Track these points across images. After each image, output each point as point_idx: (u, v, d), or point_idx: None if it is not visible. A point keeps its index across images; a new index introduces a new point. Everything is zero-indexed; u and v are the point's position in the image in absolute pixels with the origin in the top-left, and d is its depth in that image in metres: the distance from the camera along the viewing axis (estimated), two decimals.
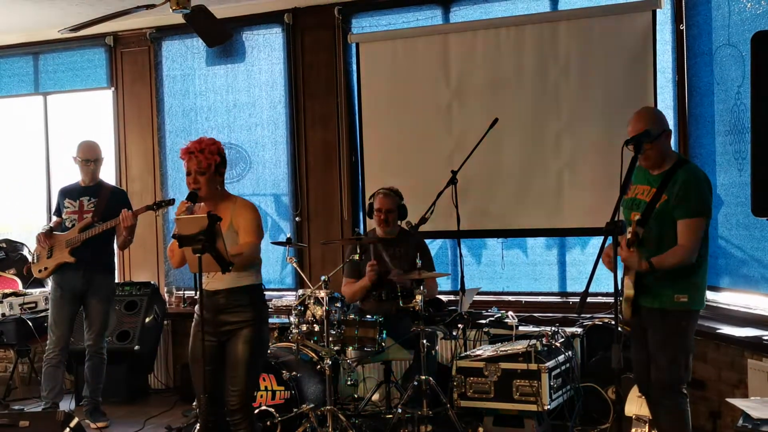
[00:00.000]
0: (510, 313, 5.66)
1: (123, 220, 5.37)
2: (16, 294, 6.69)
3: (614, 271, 3.45)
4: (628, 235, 3.71)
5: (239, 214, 4.00)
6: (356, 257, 5.10)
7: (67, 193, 5.76)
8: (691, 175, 3.77)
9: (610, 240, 3.49)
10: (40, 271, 5.66)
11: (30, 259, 5.88)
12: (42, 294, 6.65)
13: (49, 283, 5.84)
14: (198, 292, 3.86)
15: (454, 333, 5.36)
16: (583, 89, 5.80)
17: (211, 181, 3.96)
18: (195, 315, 4.09)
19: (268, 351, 5.13)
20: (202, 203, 4.05)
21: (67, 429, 4.17)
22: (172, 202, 5.51)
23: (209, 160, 3.94)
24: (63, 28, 5.53)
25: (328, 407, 4.65)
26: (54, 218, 5.85)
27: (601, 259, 3.52)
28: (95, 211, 5.59)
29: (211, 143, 3.98)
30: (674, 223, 3.73)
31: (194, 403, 4.20)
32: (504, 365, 4.85)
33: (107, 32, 7.10)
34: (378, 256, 5.37)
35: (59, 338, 5.59)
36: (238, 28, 6.75)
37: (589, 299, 3.53)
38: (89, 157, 5.67)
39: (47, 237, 5.61)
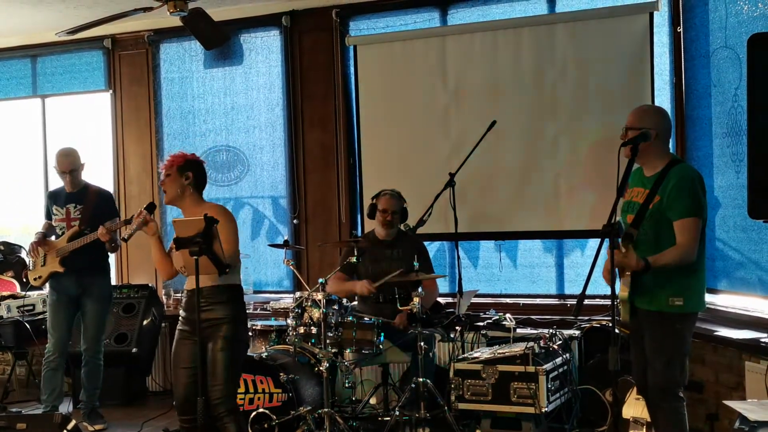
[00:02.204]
0: (508, 315, 5.65)
1: (100, 236, 5.39)
2: (14, 297, 6.69)
3: (612, 278, 3.46)
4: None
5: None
6: (353, 259, 5.10)
7: (55, 198, 5.76)
8: (684, 175, 3.75)
9: (606, 246, 3.48)
10: (35, 279, 5.68)
11: (27, 264, 5.86)
12: (40, 297, 6.64)
13: (47, 287, 5.84)
14: (187, 293, 3.91)
15: (452, 335, 5.36)
16: (581, 92, 5.80)
17: (174, 183, 4.13)
18: (180, 318, 4.19)
19: (263, 353, 5.15)
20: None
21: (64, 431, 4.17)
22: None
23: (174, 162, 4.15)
24: (61, 30, 5.54)
25: (326, 410, 4.64)
26: (45, 221, 5.81)
27: (600, 271, 3.51)
28: (81, 219, 5.59)
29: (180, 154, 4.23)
30: (669, 223, 3.72)
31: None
32: (501, 368, 4.85)
33: (105, 35, 7.10)
34: (377, 257, 5.39)
35: (57, 341, 5.59)
36: (235, 30, 6.76)
37: (586, 302, 3.53)
38: (65, 169, 5.63)
39: (41, 245, 5.60)
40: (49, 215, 5.77)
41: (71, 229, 5.58)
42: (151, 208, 4.13)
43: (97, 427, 5.61)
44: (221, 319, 4.03)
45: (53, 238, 5.73)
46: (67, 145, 5.85)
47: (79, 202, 5.65)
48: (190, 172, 4.16)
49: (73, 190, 5.69)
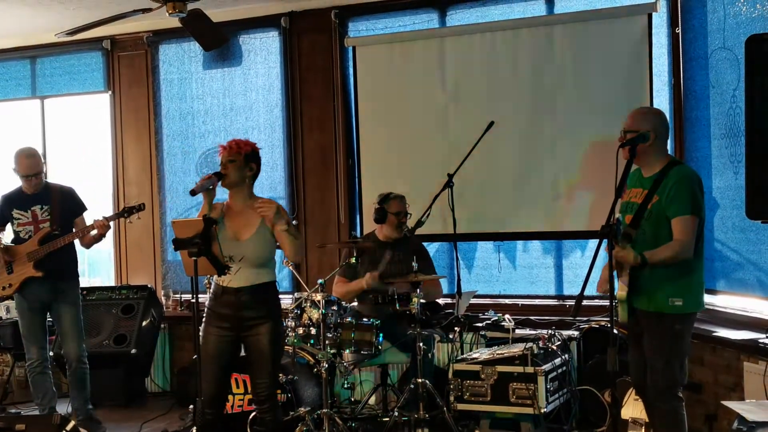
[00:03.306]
0: (507, 316, 5.66)
1: (99, 228, 5.23)
2: (12, 298, 6.67)
3: (609, 287, 3.47)
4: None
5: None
6: (352, 260, 5.10)
7: (13, 201, 5.48)
8: (683, 175, 3.77)
9: (604, 248, 3.49)
10: (3, 288, 5.40)
11: None
12: None
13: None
14: (193, 295, 3.93)
15: (451, 336, 5.36)
16: (579, 92, 5.81)
17: (238, 170, 4.12)
18: (206, 311, 4.21)
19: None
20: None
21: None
22: (142, 207, 5.38)
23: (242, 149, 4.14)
24: (60, 31, 5.53)
25: (325, 410, 4.65)
26: None
27: (599, 272, 3.52)
28: (51, 220, 5.37)
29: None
30: (668, 223, 3.73)
31: (191, 407, 4.22)
32: (500, 368, 4.85)
33: (104, 36, 7.11)
34: (379, 258, 5.40)
35: (39, 348, 5.45)
36: (234, 31, 6.76)
37: (585, 302, 3.53)
38: (32, 172, 5.38)
39: (3, 252, 5.36)
40: (5, 221, 5.50)
41: (41, 231, 5.34)
42: (219, 176, 4.08)
43: None
44: (264, 317, 4.09)
45: (9, 242, 5.48)
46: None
47: (44, 203, 5.41)
48: (254, 163, 4.18)
49: (35, 192, 5.44)
